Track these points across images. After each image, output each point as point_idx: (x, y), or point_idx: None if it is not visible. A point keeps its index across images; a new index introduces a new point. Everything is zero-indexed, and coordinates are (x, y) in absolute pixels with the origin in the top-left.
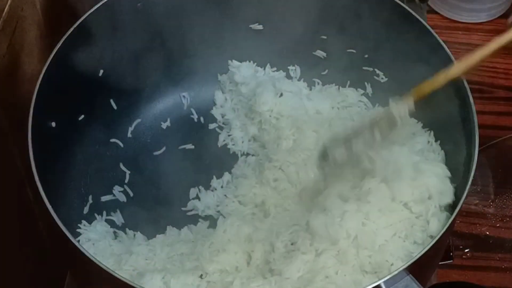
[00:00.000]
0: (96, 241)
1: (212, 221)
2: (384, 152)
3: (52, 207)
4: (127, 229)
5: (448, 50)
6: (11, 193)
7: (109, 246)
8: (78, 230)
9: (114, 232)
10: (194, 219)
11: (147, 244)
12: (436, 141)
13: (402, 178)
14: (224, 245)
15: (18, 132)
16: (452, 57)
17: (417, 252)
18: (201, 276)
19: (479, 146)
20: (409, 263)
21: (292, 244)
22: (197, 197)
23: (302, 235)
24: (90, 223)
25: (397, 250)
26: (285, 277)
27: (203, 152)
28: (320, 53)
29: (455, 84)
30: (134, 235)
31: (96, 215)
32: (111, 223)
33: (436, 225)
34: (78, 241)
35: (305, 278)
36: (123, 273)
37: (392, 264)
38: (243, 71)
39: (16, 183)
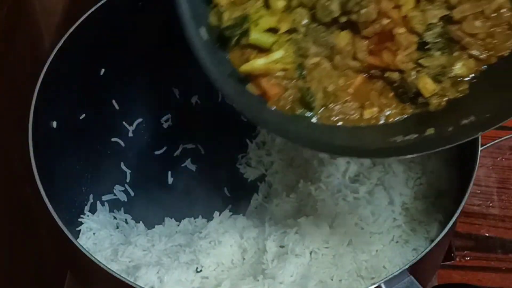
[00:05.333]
0: (98, 230)
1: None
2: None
3: (52, 206)
4: (128, 219)
5: None
6: (11, 193)
7: (109, 236)
8: (80, 219)
9: (117, 222)
10: (195, 213)
11: (146, 234)
12: None
13: (401, 179)
14: (220, 236)
15: (18, 131)
16: None
17: (417, 259)
18: (196, 270)
19: (480, 146)
20: (410, 263)
21: (282, 246)
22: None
23: (292, 237)
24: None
25: (395, 257)
26: (278, 282)
27: (204, 151)
28: None
29: None
30: (136, 225)
31: (100, 206)
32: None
33: (437, 229)
34: (79, 230)
35: (299, 283)
36: (119, 265)
37: (389, 272)
38: None
39: (16, 183)
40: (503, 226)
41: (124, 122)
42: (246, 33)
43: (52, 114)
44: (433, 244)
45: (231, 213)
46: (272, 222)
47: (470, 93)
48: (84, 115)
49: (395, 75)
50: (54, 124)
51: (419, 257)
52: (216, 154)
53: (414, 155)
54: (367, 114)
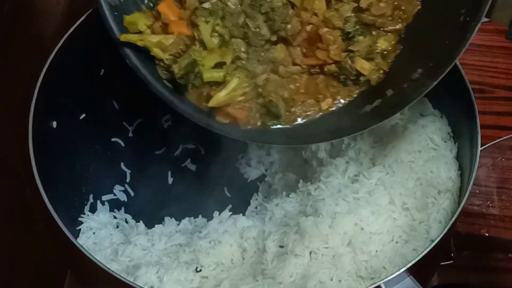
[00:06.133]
0: (98, 229)
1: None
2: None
3: (52, 206)
4: (128, 219)
5: None
6: (11, 193)
7: (109, 235)
8: (80, 219)
9: (117, 222)
10: (195, 213)
11: (146, 234)
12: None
13: (401, 179)
14: (220, 236)
15: (18, 131)
16: None
17: (417, 259)
18: (196, 269)
19: (480, 146)
20: (409, 264)
21: (281, 247)
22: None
23: (292, 237)
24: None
25: (395, 257)
26: (277, 282)
27: (204, 151)
28: None
29: (457, 84)
30: (136, 225)
31: (100, 205)
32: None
33: (437, 229)
34: (79, 230)
35: (298, 284)
36: (119, 265)
37: (388, 272)
38: None
39: (16, 183)
40: (503, 226)
41: (124, 122)
42: (197, 75)
43: (52, 114)
44: (433, 244)
45: (231, 213)
46: (271, 222)
47: (403, 51)
48: (84, 115)
49: (333, 67)
50: (54, 124)
51: (419, 257)
52: (216, 154)
53: (393, 116)
54: (324, 105)
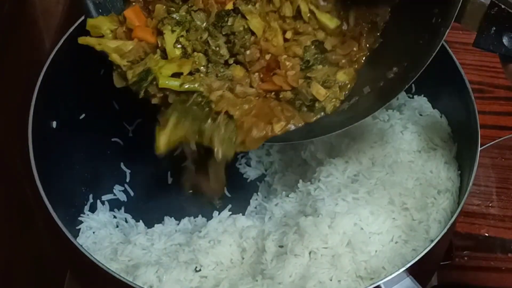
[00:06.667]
0: (97, 229)
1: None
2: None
3: (52, 206)
4: (128, 218)
5: (449, 50)
6: (11, 193)
7: (109, 235)
8: (80, 218)
9: (116, 221)
10: (194, 213)
11: (146, 233)
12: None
13: (401, 179)
14: (219, 236)
15: (18, 131)
16: (454, 56)
17: (416, 259)
18: (195, 269)
19: (480, 146)
20: (409, 264)
21: (281, 246)
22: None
23: (291, 237)
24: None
25: (394, 257)
26: (277, 282)
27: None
28: None
29: (457, 84)
30: (136, 224)
31: (100, 205)
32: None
33: (437, 229)
34: (79, 229)
35: (298, 284)
36: (118, 264)
37: (388, 272)
38: None
39: (16, 183)
40: (503, 226)
41: (124, 122)
42: (152, 82)
43: (52, 114)
44: (433, 244)
45: (230, 212)
46: (271, 222)
47: (380, 47)
48: (84, 115)
49: (288, 94)
50: (54, 124)
51: (418, 258)
52: None
53: (367, 116)
54: (277, 128)
